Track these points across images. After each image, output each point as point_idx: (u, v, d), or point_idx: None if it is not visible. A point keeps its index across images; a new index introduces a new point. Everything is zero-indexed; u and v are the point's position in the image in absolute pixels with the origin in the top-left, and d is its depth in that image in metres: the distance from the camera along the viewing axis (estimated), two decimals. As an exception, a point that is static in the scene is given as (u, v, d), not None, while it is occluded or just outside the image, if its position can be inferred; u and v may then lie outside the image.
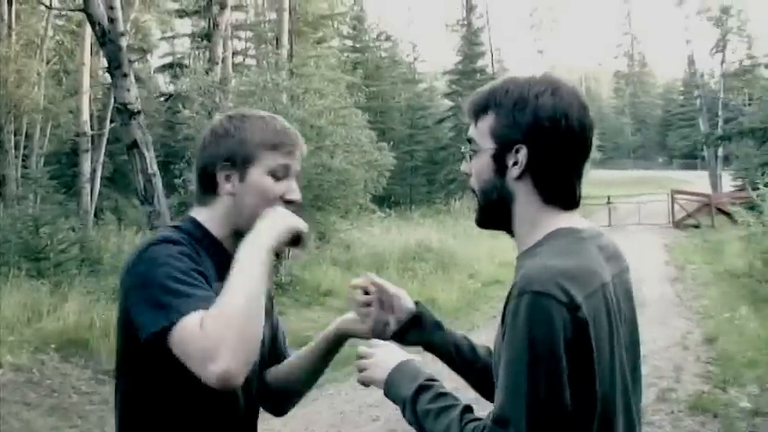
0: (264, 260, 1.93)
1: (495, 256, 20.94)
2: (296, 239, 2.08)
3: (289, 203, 2.15)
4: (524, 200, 1.83)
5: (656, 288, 15.96)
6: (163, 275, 1.91)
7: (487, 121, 1.85)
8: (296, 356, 2.46)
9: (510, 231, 1.91)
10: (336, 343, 2.39)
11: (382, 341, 2.17)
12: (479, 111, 1.88)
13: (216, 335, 1.76)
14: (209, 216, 2.19)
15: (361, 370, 2.07)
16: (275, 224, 2.01)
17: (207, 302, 1.85)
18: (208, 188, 2.19)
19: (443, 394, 1.85)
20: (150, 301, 1.90)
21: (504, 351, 1.65)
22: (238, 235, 2.13)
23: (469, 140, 1.91)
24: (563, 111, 1.78)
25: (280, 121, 2.22)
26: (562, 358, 1.59)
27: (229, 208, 2.16)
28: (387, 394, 1.97)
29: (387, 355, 2.04)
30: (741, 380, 8.84)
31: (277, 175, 2.15)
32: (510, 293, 1.68)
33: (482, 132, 1.87)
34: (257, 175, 2.13)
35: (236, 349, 1.76)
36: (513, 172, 1.82)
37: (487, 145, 1.85)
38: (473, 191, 1.93)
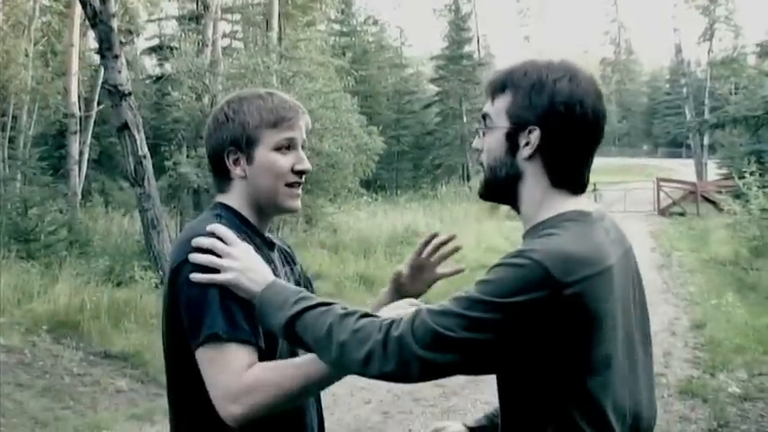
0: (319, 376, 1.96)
1: (481, 241, 21.00)
2: None
3: (300, 173, 2.21)
4: (532, 180, 1.87)
5: (643, 274, 15.93)
6: (207, 301, 1.98)
7: (504, 101, 1.88)
8: None
9: (513, 207, 1.95)
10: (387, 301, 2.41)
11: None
12: (497, 89, 1.90)
13: (257, 396, 1.91)
14: (232, 200, 2.22)
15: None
16: None
17: (252, 343, 1.98)
18: (221, 174, 2.24)
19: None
20: (202, 308, 1.98)
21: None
22: (261, 213, 2.23)
23: (484, 117, 1.94)
24: (579, 97, 1.81)
25: (278, 96, 2.25)
26: (510, 320, 1.64)
27: (245, 190, 2.20)
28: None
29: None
30: (729, 365, 8.92)
31: (283, 149, 2.18)
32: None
33: (498, 110, 1.89)
34: (263, 153, 2.17)
35: (260, 411, 1.91)
36: (525, 152, 1.85)
37: (502, 123, 1.88)
38: (482, 165, 1.96)
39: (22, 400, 7.90)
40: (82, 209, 22.04)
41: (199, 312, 1.97)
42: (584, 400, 1.71)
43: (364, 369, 1.75)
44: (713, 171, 39.93)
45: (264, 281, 1.97)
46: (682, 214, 30.28)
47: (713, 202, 27.69)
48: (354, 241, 19.24)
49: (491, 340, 1.65)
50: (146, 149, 11.80)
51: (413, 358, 1.68)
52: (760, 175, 19.55)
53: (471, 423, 2.28)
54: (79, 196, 23.00)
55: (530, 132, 1.83)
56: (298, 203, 2.25)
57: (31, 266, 12.08)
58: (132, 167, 11.73)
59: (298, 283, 2.30)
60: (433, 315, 1.69)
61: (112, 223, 20.22)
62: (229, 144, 2.17)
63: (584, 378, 1.71)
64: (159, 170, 16.97)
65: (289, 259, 2.41)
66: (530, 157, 1.85)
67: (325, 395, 8.32)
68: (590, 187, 1.92)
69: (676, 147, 71.33)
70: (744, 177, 19.69)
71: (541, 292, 1.62)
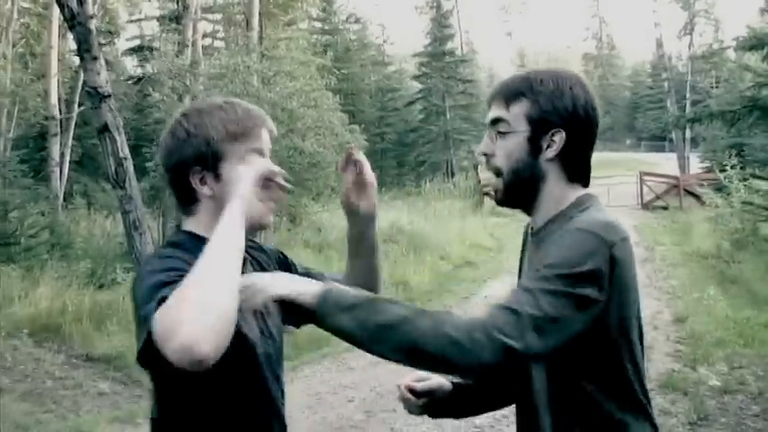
0: (234, 222, 1.79)
1: (465, 238, 21.02)
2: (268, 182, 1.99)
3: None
4: (553, 179, 2.05)
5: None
6: (143, 289, 1.81)
7: (522, 106, 2.03)
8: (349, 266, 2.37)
9: (527, 208, 2.11)
10: (355, 229, 2.30)
11: None
12: (512, 96, 2.05)
13: (172, 311, 1.60)
14: (199, 224, 2.06)
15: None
16: (241, 177, 1.90)
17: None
18: (186, 196, 2.08)
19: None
20: (138, 320, 1.81)
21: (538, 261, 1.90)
22: None
23: (496, 122, 2.07)
24: (591, 101, 2.06)
25: (240, 105, 2.11)
26: (589, 284, 1.80)
27: (214, 210, 1.99)
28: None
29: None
30: (710, 359, 8.96)
31: None
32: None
33: (516, 116, 2.03)
34: (231, 168, 2.00)
35: (193, 320, 1.56)
36: (548, 153, 2.03)
37: (522, 128, 2.03)
38: (496, 169, 2.07)
39: (4, 404, 7.87)
40: (64, 211, 21.98)
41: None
42: (626, 355, 1.95)
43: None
44: (696, 164, 40.04)
45: None
46: (665, 208, 30.36)
47: (696, 196, 27.79)
48: (339, 240, 19.16)
49: (594, 306, 1.81)
50: (127, 151, 11.72)
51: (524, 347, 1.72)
52: (741, 168, 19.64)
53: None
54: (61, 198, 22.95)
55: (553, 135, 2.01)
56: (271, 218, 2.10)
57: (12, 270, 12.03)
58: (113, 169, 11.64)
59: None
60: (529, 301, 1.75)
61: (95, 225, 20.16)
62: (194, 162, 2.01)
63: (628, 335, 1.95)
64: (141, 171, 16.93)
65: (264, 267, 2.25)
66: (552, 158, 2.02)
67: (309, 394, 8.27)
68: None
69: (659, 140, 71.30)
70: (725, 170, 19.80)
71: (602, 255, 1.81)
